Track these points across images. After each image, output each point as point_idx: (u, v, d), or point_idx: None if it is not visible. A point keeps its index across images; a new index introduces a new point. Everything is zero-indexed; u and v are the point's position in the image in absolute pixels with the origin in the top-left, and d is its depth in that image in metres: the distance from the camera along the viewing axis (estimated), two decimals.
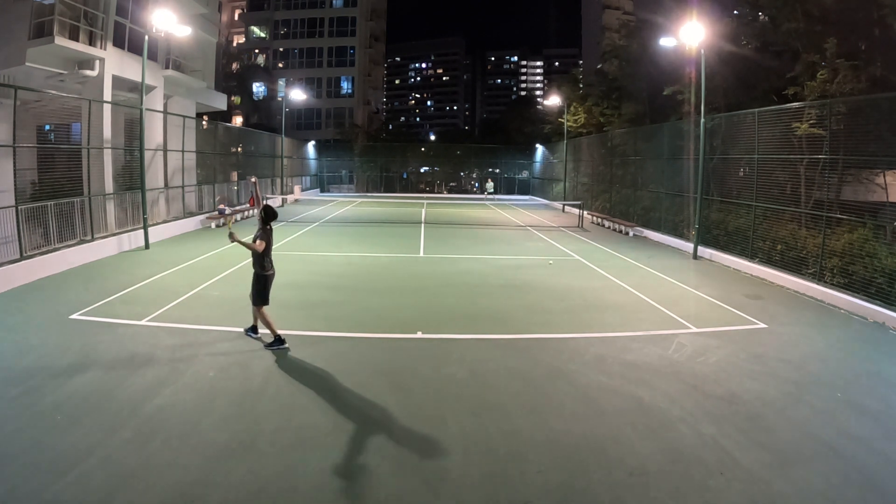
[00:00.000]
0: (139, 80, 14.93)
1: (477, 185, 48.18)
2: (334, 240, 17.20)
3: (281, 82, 50.16)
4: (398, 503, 4.02)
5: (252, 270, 7.29)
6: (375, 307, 9.29)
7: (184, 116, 19.77)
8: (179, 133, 19.24)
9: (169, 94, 21.04)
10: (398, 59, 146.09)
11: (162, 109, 19.56)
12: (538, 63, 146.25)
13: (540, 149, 41.43)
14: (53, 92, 15.24)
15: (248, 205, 23.90)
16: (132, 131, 16.43)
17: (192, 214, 19.48)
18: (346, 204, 32.18)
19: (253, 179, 8.06)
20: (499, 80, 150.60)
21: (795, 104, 12.17)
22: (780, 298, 10.74)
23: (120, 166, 16.24)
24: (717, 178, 15.50)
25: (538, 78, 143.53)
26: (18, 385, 5.73)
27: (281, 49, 55.24)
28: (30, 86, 14.80)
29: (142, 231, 14.63)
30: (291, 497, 4.03)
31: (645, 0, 35.18)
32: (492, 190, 39.58)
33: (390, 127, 71.09)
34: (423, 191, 47.12)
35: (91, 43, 15.98)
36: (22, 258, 10.42)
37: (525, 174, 45.16)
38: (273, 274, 7.36)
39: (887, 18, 11.45)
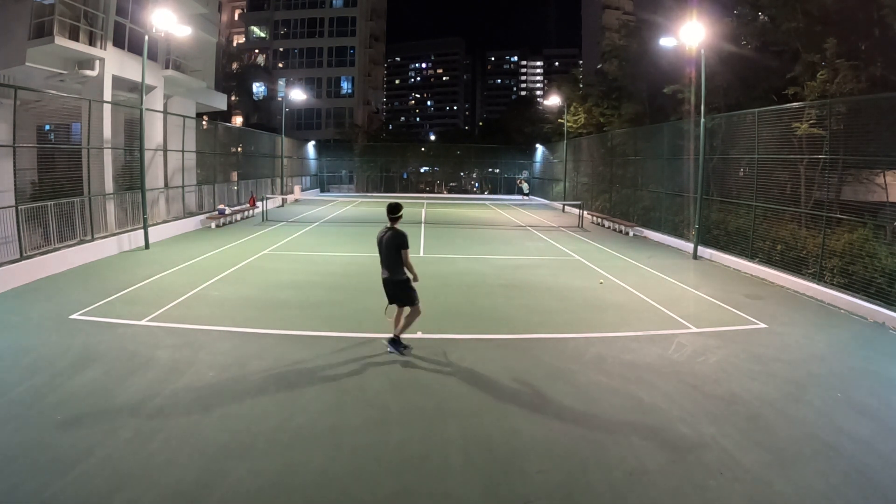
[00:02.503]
0: (139, 80, 14.95)
1: (477, 185, 48.16)
2: (334, 240, 17.21)
3: (281, 82, 50.23)
4: (398, 503, 4.03)
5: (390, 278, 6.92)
6: (375, 307, 9.24)
7: (184, 116, 19.79)
8: (179, 133, 19.25)
9: (169, 94, 21.06)
10: (398, 59, 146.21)
11: (162, 109, 19.56)
12: (538, 63, 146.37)
13: (540, 149, 41.43)
14: (53, 92, 15.25)
15: (247, 205, 23.91)
16: (132, 131, 16.44)
17: (192, 214, 19.49)
18: (346, 204, 32.18)
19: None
20: (499, 80, 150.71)
21: (795, 104, 12.16)
22: (780, 298, 10.74)
23: (120, 166, 16.24)
24: (717, 178, 15.50)
25: (538, 78, 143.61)
26: (18, 385, 5.73)
27: (281, 49, 55.27)
28: (30, 86, 14.82)
29: (142, 231, 14.64)
30: (291, 497, 4.03)
31: (645, 0, 35.18)
32: (527, 191, 39.40)
33: (390, 127, 71.16)
34: (423, 191, 47.13)
35: (91, 43, 15.98)
36: (22, 258, 10.43)
37: (525, 174, 45.15)
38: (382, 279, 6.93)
39: (887, 18, 11.44)
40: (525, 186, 40.40)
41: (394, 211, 6.92)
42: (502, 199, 39.93)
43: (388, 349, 6.97)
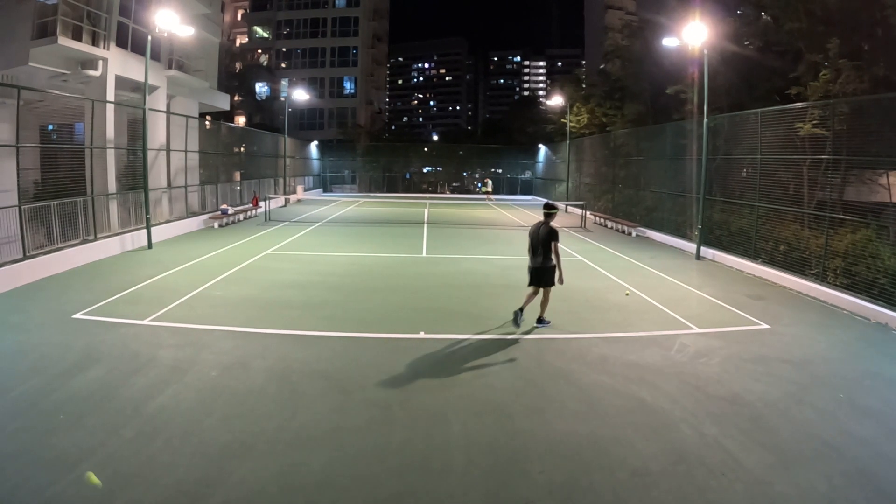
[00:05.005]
0: (142, 80, 14.97)
1: (480, 185, 48.03)
2: (337, 240, 17.22)
3: (284, 82, 50.20)
4: (400, 503, 4.03)
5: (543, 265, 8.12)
6: (378, 307, 9.30)
7: (187, 116, 19.81)
8: (182, 133, 19.27)
9: (172, 94, 21.09)
10: (401, 59, 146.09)
11: (165, 109, 19.60)
12: (541, 63, 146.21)
13: (542, 149, 41.40)
14: (56, 92, 15.31)
15: (250, 204, 23.95)
16: (135, 131, 16.47)
17: (194, 214, 19.52)
18: (348, 204, 32.20)
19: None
20: (501, 81, 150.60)
21: (798, 104, 12.13)
22: (783, 299, 10.71)
23: (123, 166, 16.28)
24: (719, 179, 15.47)
25: (541, 78, 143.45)
26: (21, 384, 5.75)
27: (284, 49, 55.31)
28: (33, 86, 14.85)
29: (144, 231, 14.65)
30: (292, 497, 4.04)
31: (647, 0, 35.14)
32: (489, 189, 38.91)
33: (393, 127, 71.08)
34: (426, 191, 47.14)
35: (94, 43, 16.02)
36: (25, 258, 10.45)
37: (528, 174, 45.13)
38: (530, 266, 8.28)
39: (890, 19, 11.40)
40: (488, 185, 39.59)
41: (551, 208, 8.36)
42: (504, 199, 39.87)
43: (537, 325, 8.32)
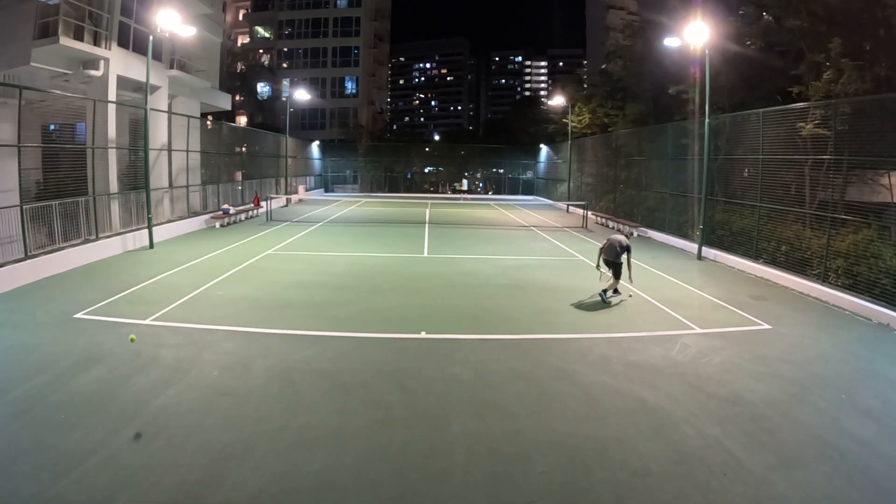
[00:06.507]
0: (144, 80, 14.98)
1: (481, 185, 47.91)
2: (339, 240, 17.22)
3: (285, 82, 50.18)
4: (401, 503, 4.02)
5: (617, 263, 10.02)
6: (379, 307, 9.30)
7: (188, 116, 19.81)
8: (184, 133, 19.28)
9: (173, 94, 21.08)
10: (402, 59, 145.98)
11: (166, 109, 19.59)
12: (542, 63, 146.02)
13: (544, 149, 41.39)
14: (58, 92, 15.29)
15: (252, 204, 23.97)
16: (137, 131, 16.47)
17: (196, 214, 19.53)
18: (350, 204, 32.20)
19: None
20: (503, 81, 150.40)
21: (800, 104, 12.12)
22: (785, 299, 10.70)
23: (124, 166, 16.28)
24: (721, 179, 15.45)
25: (542, 78, 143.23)
26: (22, 384, 5.76)
27: (285, 49, 55.29)
28: (35, 85, 14.83)
29: (146, 231, 14.68)
30: (294, 497, 4.04)
31: (649, 0, 35.09)
32: (465, 188, 37.76)
33: (394, 127, 70.97)
34: (428, 191, 47.12)
35: (96, 43, 16.02)
36: (27, 257, 10.47)
37: (529, 174, 45.11)
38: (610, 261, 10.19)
39: (892, 18, 11.37)
40: (464, 184, 38.74)
41: (628, 248, 10.06)
42: (506, 199, 39.87)
43: (612, 296, 10.13)
